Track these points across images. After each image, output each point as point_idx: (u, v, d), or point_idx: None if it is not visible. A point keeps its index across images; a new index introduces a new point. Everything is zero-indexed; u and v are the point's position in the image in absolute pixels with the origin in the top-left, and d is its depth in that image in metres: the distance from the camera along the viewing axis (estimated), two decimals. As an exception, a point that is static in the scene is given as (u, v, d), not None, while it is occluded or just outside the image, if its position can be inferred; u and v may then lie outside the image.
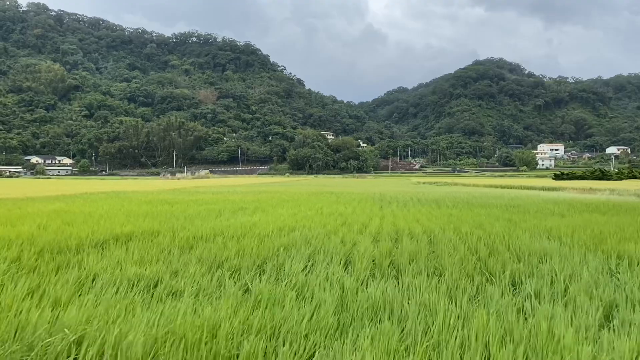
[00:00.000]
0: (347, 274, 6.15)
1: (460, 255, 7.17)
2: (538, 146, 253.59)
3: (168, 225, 10.93)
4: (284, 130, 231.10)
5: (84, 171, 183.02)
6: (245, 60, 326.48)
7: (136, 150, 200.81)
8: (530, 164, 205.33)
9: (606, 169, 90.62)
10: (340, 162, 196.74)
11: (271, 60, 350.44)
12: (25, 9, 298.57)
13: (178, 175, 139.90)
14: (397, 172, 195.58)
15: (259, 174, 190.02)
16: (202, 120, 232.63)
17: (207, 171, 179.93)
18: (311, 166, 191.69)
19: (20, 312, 4.32)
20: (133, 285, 5.73)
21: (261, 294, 5.07)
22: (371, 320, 4.34)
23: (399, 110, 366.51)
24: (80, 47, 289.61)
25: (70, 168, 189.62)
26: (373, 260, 7.02)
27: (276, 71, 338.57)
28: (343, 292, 5.10)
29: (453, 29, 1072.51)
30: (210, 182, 74.18)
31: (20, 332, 3.87)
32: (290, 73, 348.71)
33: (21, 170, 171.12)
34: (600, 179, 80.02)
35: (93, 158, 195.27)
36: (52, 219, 12.25)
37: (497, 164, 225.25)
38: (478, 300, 4.96)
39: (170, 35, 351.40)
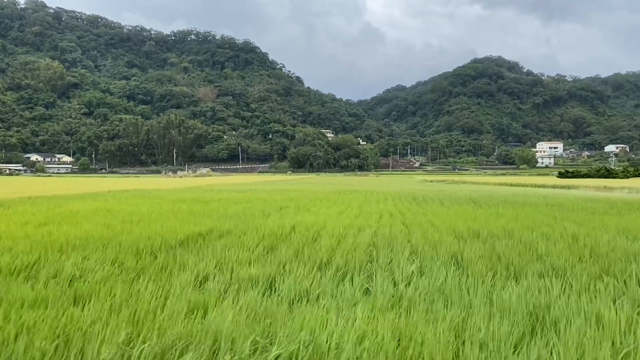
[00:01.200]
0: (470, 275, 6.00)
1: (569, 256, 7.04)
2: (537, 144, 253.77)
3: (232, 224, 10.79)
4: (284, 129, 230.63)
5: (84, 169, 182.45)
6: (244, 58, 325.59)
7: (136, 148, 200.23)
8: (530, 162, 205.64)
9: (612, 167, 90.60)
10: (341, 160, 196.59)
11: (270, 58, 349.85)
12: (23, 6, 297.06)
13: (180, 173, 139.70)
14: (397, 171, 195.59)
15: (259, 172, 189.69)
16: (202, 118, 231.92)
17: (207, 169, 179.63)
18: (312, 164, 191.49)
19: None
20: (252, 286, 5.59)
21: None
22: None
23: (398, 109, 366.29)
24: (78, 44, 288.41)
25: (70, 166, 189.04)
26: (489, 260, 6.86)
27: (275, 69, 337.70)
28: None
29: (452, 28, 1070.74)
30: (216, 180, 73.89)
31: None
32: (290, 71, 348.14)
33: (21, 168, 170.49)
34: (606, 177, 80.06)
35: (93, 156, 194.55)
36: (106, 217, 12.11)
37: (496, 162, 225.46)
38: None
39: (169, 33, 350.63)
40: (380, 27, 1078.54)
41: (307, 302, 4.98)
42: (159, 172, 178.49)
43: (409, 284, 5.61)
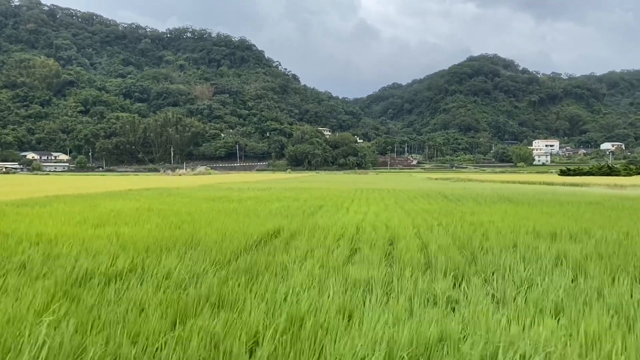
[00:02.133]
0: (594, 278, 5.82)
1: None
2: (533, 142, 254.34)
3: (293, 224, 10.58)
4: (281, 127, 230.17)
5: (80, 167, 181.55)
6: (240, 55, 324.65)
7: (133, 147, 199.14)
8: (527, 160, 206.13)
9: (613, 165, 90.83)
10: (339, 158, 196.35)
11: (266, 56, 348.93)
12: (17, 3, 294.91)
13: (179, 171, 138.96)
14: (395, 169, 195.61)
15: (257, 170, 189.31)
16: (199, 116, 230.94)
17: (205, 167, 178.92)
18: (310, 162, 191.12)
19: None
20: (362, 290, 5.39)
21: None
22: None
23: (394, 107, 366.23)
24: (74, 42, 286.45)
25: (67, 164, 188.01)
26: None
27: (271, 67, 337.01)
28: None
29: (447, 26, 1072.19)
30: (221, 178, 73.46)
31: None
32: (286, 69, 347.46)
33: (17, 166, 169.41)
34: (608, 174, 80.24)
35: (90, 154, 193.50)
36: (158, 217, 11.87)
37: (493, 160, 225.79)
38: None
39: (165, 31, 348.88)
40: (375, 25, 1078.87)
41: (448, 305, 4.79)
42: (156, 170, 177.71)
43: (544, 290, 5.41)
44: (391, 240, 8.79)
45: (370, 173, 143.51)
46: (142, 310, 4.33)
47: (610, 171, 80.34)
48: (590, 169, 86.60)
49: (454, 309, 4.66)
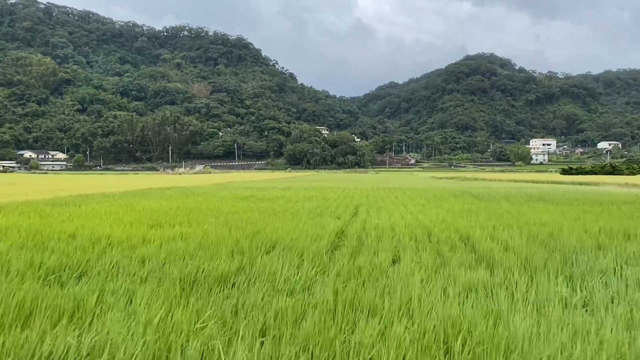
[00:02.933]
0: None
1: None
2: (530, 141, 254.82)
3: (353, 224, 10.41)
4: (279, 125, 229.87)
5: (78, 166, 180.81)
6: (237, 54, 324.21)
7: (131, 145, 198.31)
8: (525, 159, 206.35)
9: (616, 164, 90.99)
10: (338, 157, 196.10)
11: (263, 54, 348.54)
12: (13, 1, 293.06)
13: (179, 170, 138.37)
14: (394, 167, 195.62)
15: (255, 169, 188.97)
16: (196, 115, 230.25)
17: (203, 166, 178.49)
18: (309, 161, 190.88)
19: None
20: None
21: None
22: None
23: (391, 105, 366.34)
24: (70, 40, 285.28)
25: (65, 163, 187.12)
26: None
27: (268, 65, 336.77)
28: None
29: (442, 24, 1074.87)
30: (223, 177, 73.09)
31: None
32: (283, 67, 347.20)
33: (15, 165, 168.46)
34: (611, 174, 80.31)
35: (87, 153, 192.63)
36: (207, 217, 11.67)
37: (491, 158, 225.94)
38: None
39: (161, 29, 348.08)
40: (371, 23, 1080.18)
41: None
42: (154, 169, 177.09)
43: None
44: (464, 240, 8.63)
45: (371, 172, 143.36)
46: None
47: (613, 170, 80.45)
48: (592, 168, 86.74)
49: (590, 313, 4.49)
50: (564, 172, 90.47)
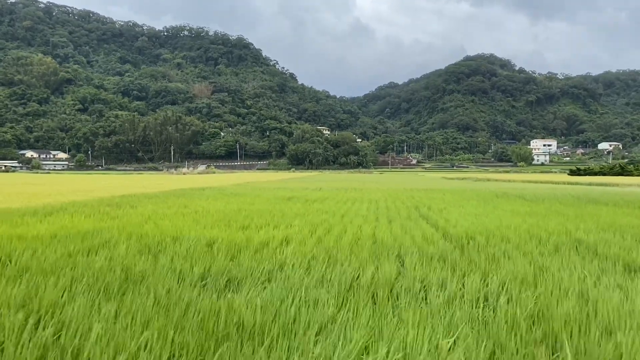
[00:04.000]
0: None
1: None
2: (531, 142, 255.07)
3: (454, 228, 10.17)
4: (281, 125, 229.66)
5: (80, 166, 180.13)
6: (238, 54, 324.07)
7: (133, 145, 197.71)
8: (527, 160, 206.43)
9: (624, 164, 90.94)
10: (340, 157, 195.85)
11: (263, 54, 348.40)
12: (13, 0, 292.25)
13: (183, 170, 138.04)
14: (396, 168, 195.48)
15: (257, 169, 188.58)
16: (198, 115, 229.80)
17: (206, 166, 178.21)
18: (311, 161, 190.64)
19: None
20: None
21: None
22: None
23: (391, 106, 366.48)
24: (70, 40, 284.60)
25: (66, 163, 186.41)
26: None
27: (269, 65, 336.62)
28: None
29: (440, 24, 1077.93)
30: (232, 177, 72.66)
31: None
32: (283, 67, 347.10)
33: (17, 164, 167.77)
34: (620, 174, 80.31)
35: (89, 153, 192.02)
36: (286, 218, 11.42)
37: (492, 159, 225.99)
38: None
39: (162, 29, 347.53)
40: (370, 23, 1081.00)
41: None
42: (156, 168, 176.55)
43: None
44: (576, 245, 8.37)
45: (375, 173, 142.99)
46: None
47: (623, 171, 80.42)
48: (601, 168, 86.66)
49: None
50: (572, 172, 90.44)
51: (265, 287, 5.22)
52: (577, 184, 49.41)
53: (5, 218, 11.02)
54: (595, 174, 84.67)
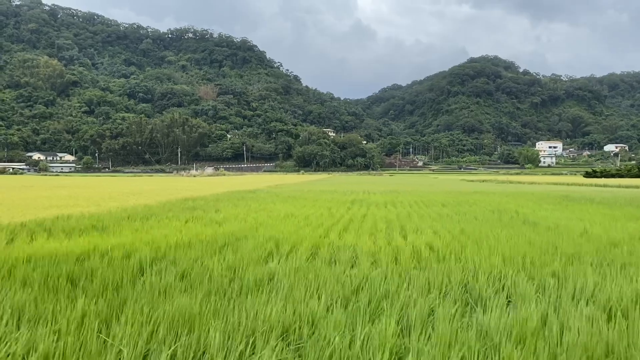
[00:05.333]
0: None
1: None
2: (537, 144, 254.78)
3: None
4: (287, 127, 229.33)
5: (87, 168, 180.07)
6: (242, 56, 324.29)
7: (140, 147, 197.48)
8: (535, 162, 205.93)
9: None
10: (347, 159, 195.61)
11: (267, 56, 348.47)
12: (18, 3, 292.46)
13: (192, 172, 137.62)
14: (404, 170, 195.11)
15: (264, 171, 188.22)
16: (204, 117, 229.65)
17: (212, 168, 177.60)
18: (318, 163, 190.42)
19: None
20: None
21: None
22: None
23: (395, 108, 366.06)
24: (75, 42, 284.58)
25: (73, 165, 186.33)
26: None
27: (273, 67, 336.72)
28: None
29: (441, 26, 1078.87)
30: (247, 179, 72.28)
31: None
32: (287, 70, 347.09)
33: (24, 167, 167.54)
34: (638, 176, 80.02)
35: (96, 155, 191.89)
36: (405, 224, 11.09)
37: (499, 161, 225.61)
38: None
39: (166, 31, 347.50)
40: (371, 25, 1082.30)
41: None
42: (163, 170, 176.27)
43: None
44: None
45: (385, 174, 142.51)
46: None
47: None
48: (617, 170, 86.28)
49: None
50: (588, 175, 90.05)
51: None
52: (605, 185, 49.04)
53: (109, 223, 10.69)
54: (613, 175, 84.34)
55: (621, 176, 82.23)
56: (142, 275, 5.81)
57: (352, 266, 6.51)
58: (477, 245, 8.05)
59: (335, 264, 6.62)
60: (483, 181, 66.84)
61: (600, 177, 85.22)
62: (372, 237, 9.02)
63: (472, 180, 68.79)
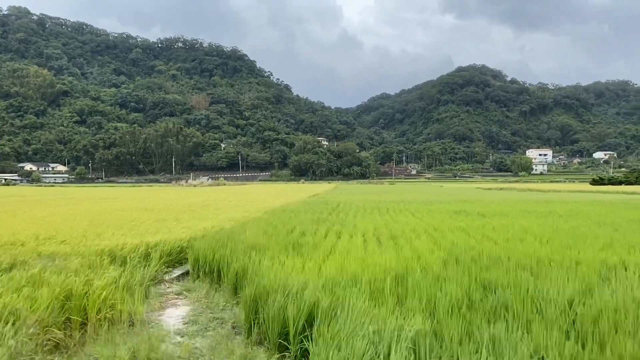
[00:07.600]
0: None
1: None
2: (527, 152, 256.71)
3: None
4: (280, 136, 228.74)
5: (80, 178, 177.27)
6: (233, 65, 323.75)
7: (133, 157, 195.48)
8: (528, 170, 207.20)
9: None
10: (343, 168, 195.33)
11: (258, 66, 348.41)
12: (6, 12, 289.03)
13: (191, 182, 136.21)
14: (400, 178, 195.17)
15: (259, 180, 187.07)
16: (197, 127, 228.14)
17: (207, 178, 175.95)
18: (314, 172, 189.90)
19: None
20: None
21: None
22: None
23: (385, 117, 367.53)
24: (64, 51, 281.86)
25: (66, 175, 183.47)
26: None
27: (264, 77, 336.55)
28: None
29: (427, 36, 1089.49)
30: (251, 189, 71.59)
31: None
32: (278, 79, 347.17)
33: (17, 178, 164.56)
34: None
35: (89, 165, 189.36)
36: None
37: (491, 169, 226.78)
38: None
39: (155, 40, 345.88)
40: (357, 35, 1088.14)
41: None
42: (157, 180, 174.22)
43: None
44: None
45: (385, 183, 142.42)
46: None
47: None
48: (624, 177, 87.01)
49: None
50: (594, 182, 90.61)
51: None
52: (623, 192, 49.21)
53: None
54: (620, 182, 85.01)
55: (630, 183, 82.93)
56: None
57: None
58: None
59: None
60: (501, 189, 66.88)
61: (608, 184, 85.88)
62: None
63: (489, 189, 68.71)
